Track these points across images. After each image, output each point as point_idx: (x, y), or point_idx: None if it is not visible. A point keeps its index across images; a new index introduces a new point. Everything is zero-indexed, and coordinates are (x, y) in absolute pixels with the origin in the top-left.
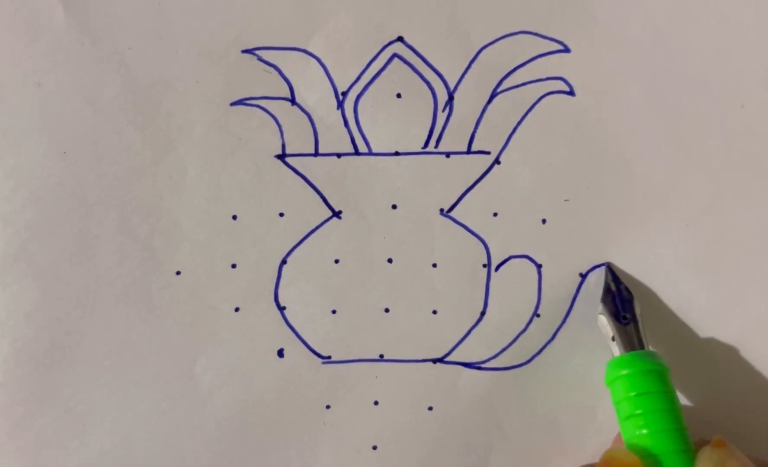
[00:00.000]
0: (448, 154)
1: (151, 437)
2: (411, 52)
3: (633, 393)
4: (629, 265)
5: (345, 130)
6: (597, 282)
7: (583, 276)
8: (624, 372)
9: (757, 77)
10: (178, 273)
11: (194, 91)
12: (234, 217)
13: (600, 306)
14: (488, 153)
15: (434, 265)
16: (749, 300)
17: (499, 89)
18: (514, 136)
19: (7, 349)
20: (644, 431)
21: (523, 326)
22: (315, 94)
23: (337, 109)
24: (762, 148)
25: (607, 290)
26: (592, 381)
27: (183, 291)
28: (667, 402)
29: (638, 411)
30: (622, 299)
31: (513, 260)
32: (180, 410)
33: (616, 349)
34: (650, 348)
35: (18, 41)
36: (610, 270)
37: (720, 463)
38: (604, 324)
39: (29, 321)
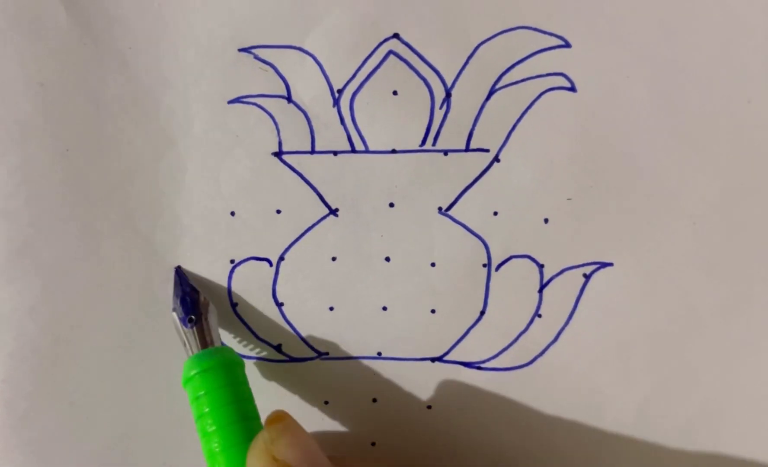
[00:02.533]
0: (446, 152)
1: (154, 431)
2: (407, 48)
3: (201, 393)
4: (634, 265)
5: (341, 127)
6: (603, 283)
7: (587, 277)
8: (193, 372)
9: (764, 71)
10: (177, 269)
11: (193, 90)
12: (232, 213)
13: (171, 308)
14: (487, 151)
15: (433, 264)
16: (757, 299)
17: (498, 86)
18: (514, 133)
19: (12, 344)
20: (212, 428)
21: (523, 326)
22: (311, 91)
23: (334, 106)
24: None
25: (175, 295)
26: (594, 383)
27: None
28: (229, 395)
29: (206, 409)
30: (191, 301)
31: (514, 260)
32: (182, 404)
33: (189, 351)
34: (222, 343)
35: (20, 42)
36: (178, 272)
37: (270, 441)
38: (177, 326)
39: (33, 316)
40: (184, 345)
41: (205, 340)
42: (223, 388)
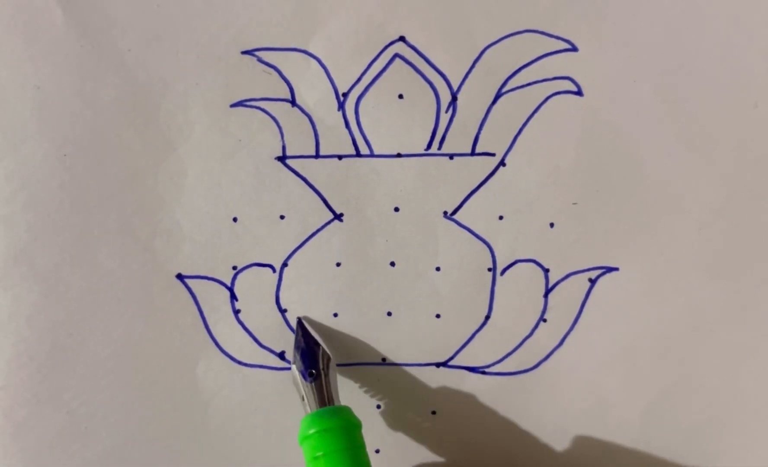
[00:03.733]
0: (451, 156)
1: (153, 439)
2: (413, 51)
3: (319, 454)
4: (640, 270)
5: (346, 131)
6: (609, 288)
7: (593, 281)
8: (311, 431)
9: None
10: (179, 275)
11: (194, 93)
12: (234, 219)
13: (291, 361)
14: (493, 155)
15: (438, 269)
16: (763, 304)
17: (504, 89)
18: (520, 137)
19: (10, 351)
20: None
21: (528, 331)
22: (315, 95)
23: (338, 110)
24: None
25: (297, 345)
26: (600, 388)
27: (184, 293)
28: (348, 460)
29: None
30: (311, 354)
31: (519, 264)
32: (182, 411)
33: (307, 407)
34: (340, 402)
35: (17, 43)
36: (300, 324)
37: None
38: (296, 379)
39: (31, 323)
40: (302, 399)
41: (323, 397)
42: (342, 452)
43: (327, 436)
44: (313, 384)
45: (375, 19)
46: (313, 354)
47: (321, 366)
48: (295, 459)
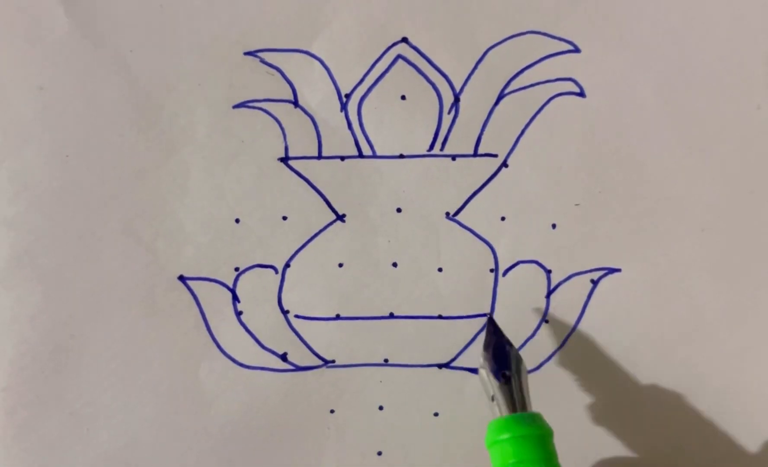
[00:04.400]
0: (454, 157)
1: (156, 440)
2: (416, 53)
3: (512, 461)
4: (642, 271)
5: (349, 132)
6: (611, 289)
7: (595, 282)
8: (503, 436)
9: None
10: (181, 277)
11: (197, 94)
12: (237, 220)
13: (481, 360)
14: (495, 156)
15: (440, 269)
16: (765, 305)
17: (506, 90)
18: (523, 138)
19: (12, 353)
20: None
21: (530, 332)
22: (318, 96)
23: (341, 111)
24: None
25: (487, 344)
26: (602, 389)
27: (186, 294)
28: None
29: None
30: (503, 354)
31: (521, 265)
32: (184, 414)
33: (496, 409)
34: (532, 409)
35: (20, 44)
36: (492, 322)
37: None
38: (485, 379)
39: (34, 324)
40: (492, 400)
41: (514, 400)
42: (537, 462)
43: (521, 443)
44: (505, 386)
45: (377, 20)
46: (506, 354)
47: (514, 368)
48: (297, 461)
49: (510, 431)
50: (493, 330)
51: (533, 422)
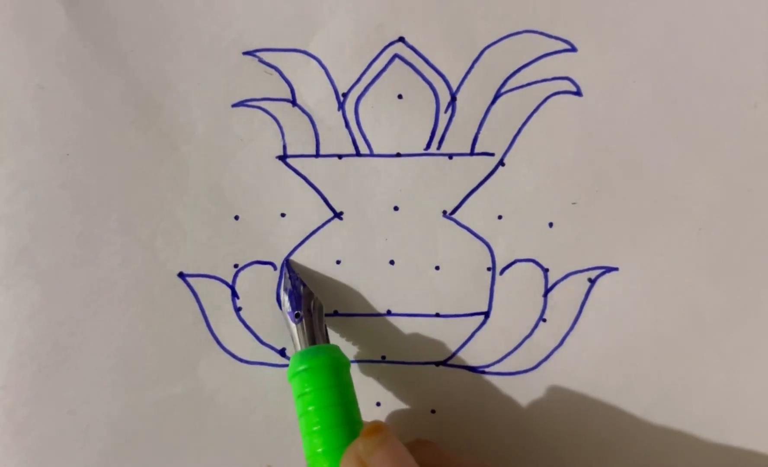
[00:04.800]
0: (450, 156)
1: (155, 437)
2: (412, 52)
3: (308, 389)
4: (639, 270)
5: (346, 131)
6: (608, 288)
7: (592, 281)
8: (300, 367)
9: None
10: (180, 274)
11: (196, 93)
12: (236, 218)
13: (280, 304)
14: (492, 154)
15: (437, 268)
16: (762, 304)
17: (503, 89)
18: (519, 137)
19: (11, 351)
20: (317, 427)
21: (528, 331)
22: (316, 95)
23: (338, 110)
24: None
25: (284, 288)
26: (599, 387)
27: (185, 291)
28: (337, 396)
29: (310, 408)
30: (295, 295)
31: (519, 264)
32: (183, 409)
33: (298, 344)
34: (330, 342)
35: (20, 44)
36: (287, 265)
37: (366, 453)
38: (286, 320)
39: (32, 322)
40: (291, 339)
41: (313, 336)
42: (329, 389)
43: (314, 374)
44: (301, 324)
45: (374, 19)
46: (299, 296)
47: (308, 307)
48: (296, 455)
49: (305, 363)
50: (288, 274)
51: (325, 352)
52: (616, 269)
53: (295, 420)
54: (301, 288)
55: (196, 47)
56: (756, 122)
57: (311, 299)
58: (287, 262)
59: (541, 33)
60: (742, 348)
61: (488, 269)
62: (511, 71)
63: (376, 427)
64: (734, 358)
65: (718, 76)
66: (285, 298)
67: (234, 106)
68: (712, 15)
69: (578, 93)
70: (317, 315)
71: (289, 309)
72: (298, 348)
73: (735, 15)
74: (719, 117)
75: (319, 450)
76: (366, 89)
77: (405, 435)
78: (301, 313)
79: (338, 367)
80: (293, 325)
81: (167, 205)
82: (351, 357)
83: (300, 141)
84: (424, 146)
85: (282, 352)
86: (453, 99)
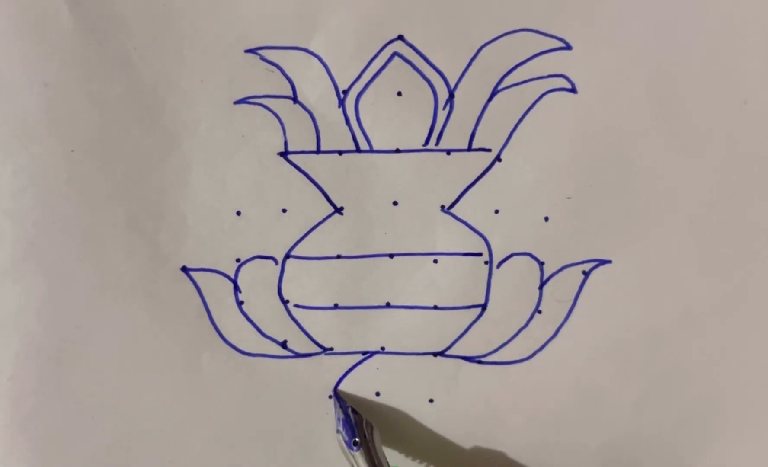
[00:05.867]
0: (449, 152)
1: (159, 429)
2: (411, 50)
3: None
4: (632, 263)
5: (346, 127)
6: (602, 280)
7: (587, 274)
8: None
9: (759, 73)
10: (183, 268)
11: (198, 90)
12: (238, 213)
13: (338, 435)
14: (489, 150)
15: (435, 261)
16: (753, 297)
17: (500, 87)
18: (516, 133)
19: (18, 344)
20: None
21: (524, 322)
22: (316, 92)
23: (339, 107)
24: (766, 144)
25: (336, 417)
26: (592, 378)
27: (189, 285)
28: None
29: None
30: (350, 424)
31: (515, 257)
32: (187, 401)
33: None
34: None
35: (24, 41)
36: (336, 394)
37: None
38: (345, 450)
39: (39, 316)
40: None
41: (372, 461)
42: None
43: None
44: (360, 451)
45: (374, 18)
46: (355, 423)
47: (364, 433)
48: (297, 447)
49: None
50: (338, 404)
51: None
52: (609, 262)
53: (295, 410)
54: (354, 415)
55: (200, 46)
56: (746, 118)
57: (363, 423)
58: (336, 392)
59: (537, 31)
60: (733, 340)
61: (485, 262)
62: (508, 69)
63: None
64: (725, 350)
65: (709, 74)
66: (340, 425)
67: (236, 103)
68: (705, 14)
69: (573, 90)
70: (372, 439)
71: (346, 438)
72: None
73: (726, 13)
74: (710, 113)
75: None
76: (366, 86)
77: (404, 424)
78: (359, 440)
79: None
80: (352, 453)
81: (171, 201)
82: (350, 350)
83: (301, 137)
84: (423, 142)
85: (283, 344)
86: (451, 96)
